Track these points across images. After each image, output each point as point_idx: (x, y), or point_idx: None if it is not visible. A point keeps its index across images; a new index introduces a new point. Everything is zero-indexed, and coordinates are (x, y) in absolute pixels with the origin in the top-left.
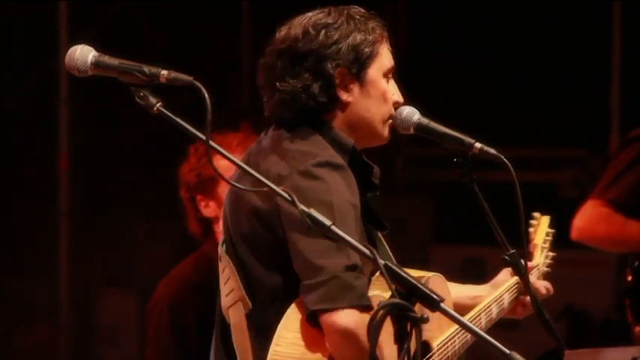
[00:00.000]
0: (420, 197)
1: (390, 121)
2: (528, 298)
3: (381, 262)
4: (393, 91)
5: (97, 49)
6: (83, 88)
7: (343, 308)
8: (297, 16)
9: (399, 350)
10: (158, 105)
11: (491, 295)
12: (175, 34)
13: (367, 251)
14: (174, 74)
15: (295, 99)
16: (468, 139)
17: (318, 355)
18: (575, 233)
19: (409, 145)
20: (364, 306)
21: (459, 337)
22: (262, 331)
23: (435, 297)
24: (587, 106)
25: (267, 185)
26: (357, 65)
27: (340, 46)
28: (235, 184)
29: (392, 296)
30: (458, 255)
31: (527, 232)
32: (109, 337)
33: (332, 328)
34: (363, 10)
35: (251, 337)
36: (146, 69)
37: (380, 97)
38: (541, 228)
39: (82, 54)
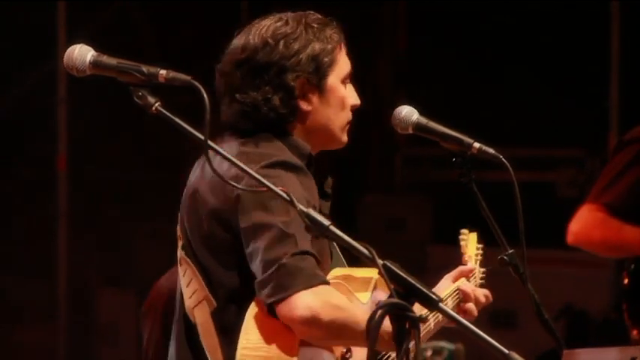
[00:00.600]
0: (419, 197)
1: (348, 126)
2: (469, 304)
3: (380, 261)
4: (350, 95)
5: (95, 49)
6: (82, 87)
7: (296, 292)
8: (254, 23)
9: (398, 350)
10: (157, 105)
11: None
12: (174, 34)
13: (366, 251)
14: (172, 74)
15: (256, 111)
16: (467, 139)
17: (285, 347)
18: (571, 238)
19: (408, 145)
20: (316, 284)
21: (432, 317)
22: (228, 331)
23: (434, 297)
24: (585, 105)
25: (265, 185)
26: (317, 75)
27: (300, 57)
28: (234, 184)
29: (390, 296)
30: (457, 255)
31: (526, 232)
32: (108, 337)
33: (291, 317)
34: (319, 17)
35: (218, 336)
36: (144, 68)
37: (339, 104)
38: (470, 243)
39: (81, 54)
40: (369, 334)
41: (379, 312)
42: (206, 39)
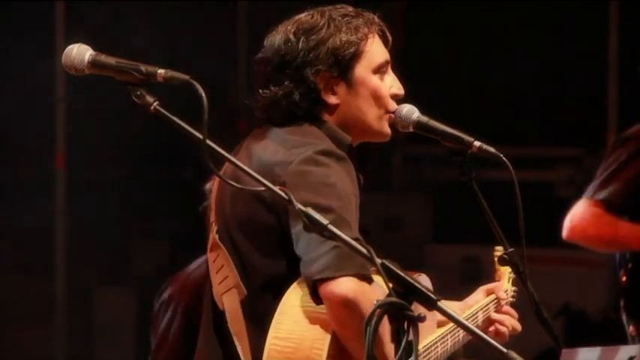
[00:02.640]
0: (418, 196)
1: (388, 115)
2: (503, 328)
3: (378, 260)
4: (390, 84)
5: (93, 49)
6: (80, 87)
7: (344, 276)
8: (285, 20)
9: (396, 349)
10: (155, 104)
11: (465, 313)
12: (172, 34)
13: (364, 250)
14: (171, 73)
15: (276, 105)
16: (467, 137)
17: (318, 334)
18: (566, 233)
19: (407, 144)
20: (364, 275)
21: (451, 336)
22: (258, 319)
23: (432, 296)
24: (583, 104)
25: (263, 184)
26: (340, 67)
27: (319, 51)
28: (233, 183)
29: (389, 295)
30: (455, 254)
31: (525, 231)
32: (107, 337)
33: (332, 296)
34: (349, 9)
35: (247, 324)
36: (143, 68)
37: (370, 94)
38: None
39: (79, 53)
40: (367, 333)
41: (377, 311)
42: (204, 38)
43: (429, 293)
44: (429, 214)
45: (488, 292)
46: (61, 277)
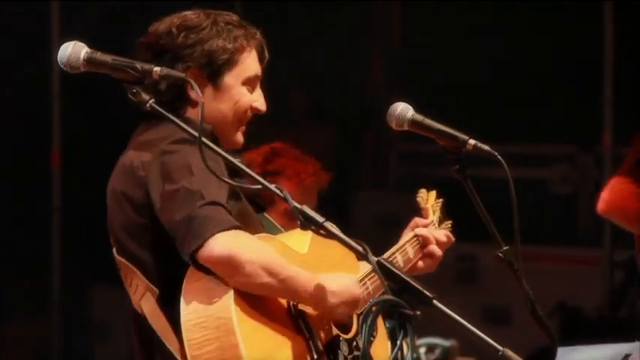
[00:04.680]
0: (412, 194)
1: (244, 127)
2: (431, 247)
3: (374, 258)
4: (255, 98)
5: (89, 46)
6: (75, 84)
7: (211, 236)
8: (175, 13)
9: (392, 346)
10: (151, 101)
11: (394, 247)
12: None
13: (360, 248)
14: (166, 71)
15: (145, 92)
16: (462, 136)
17: (221, 293)
18: (603, 206)
19: (403, 142)
20: (229, 227)
21: (370, 281)
22: (175, 312)
23: (428, 294)
24: (578, 101)
25: (261, 183)
26: (210, 70)
27: (195, 49)
28: (231, 181)
29: (384, 292)
30: (450, 252)
31: (519, 228)
32: (101, 334)
33: (210, 259)
34: (234, 18)
35: (167, 320)
36: (138, 65)
37: (233, 103)
38: (430, 198)
39: (75, 50)
40: (363, 330)
41: (373, 308)
42: None
43: (424, 291)
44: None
45: (412, 229)
46: (56, 274)
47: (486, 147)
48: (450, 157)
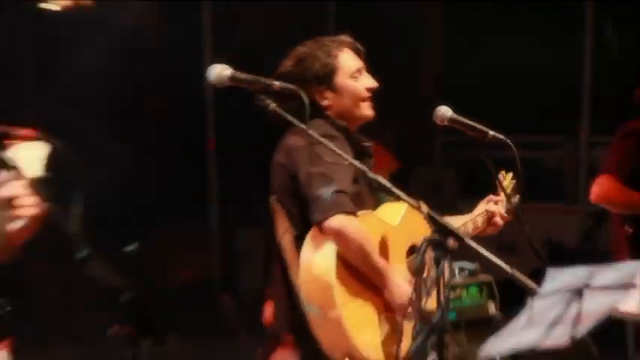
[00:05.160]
0: (452, 169)
1: (366, 102)
2: (496, 219)
3: (425, 209)
4: (364, 82)
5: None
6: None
7: (333, 215)
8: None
9: (437, 270)
10: (273, 105)
11: (468, 217)
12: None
13: (415, 202)
14: (283, 84)
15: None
16: (484, 128)
17: (327, 254)
18: (594, 197)
19: (444, 133)
20: (347, 212)
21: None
22: (300, 248)
23: (460, 235)
24: (564, 105)
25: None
26: (324, 81)
27: (309, 73)
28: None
29: (432, 233)
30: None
31: (521, 188)
32: (244, 261)
33: (329, 229)
34: (326, 39)
35: (296, 253)
36: (264, 80)
37: (351, 94)
38: (506, 180)
39: (221, 71)
40: (417, 258)
41: (424, 243)
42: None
43: (458, 232)
44: (458, 180)
45: (487, 203)
46: (214, 221)
47: (501, 136)
48: (477, 143)
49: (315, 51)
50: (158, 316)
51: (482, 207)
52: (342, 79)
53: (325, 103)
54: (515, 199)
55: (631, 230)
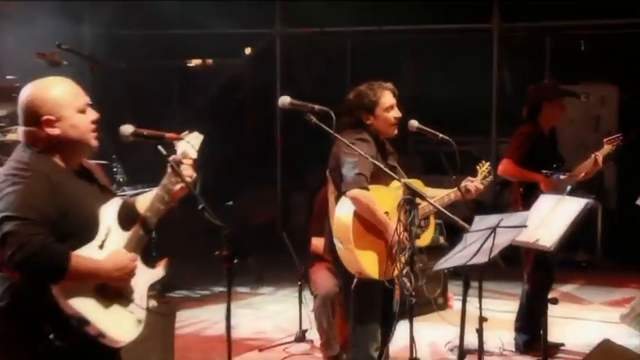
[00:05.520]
0: (418, 157)
1: (394, 127)
2: (471, 193)
3: (403, 180)
4: (394, 114)
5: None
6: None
7: (353, 188)
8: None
9: (409, 216)
10: (314, 119)
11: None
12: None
13: (391, 173)
14: (320, 107)
15: (346, 122)
16: (436, 132)
17: (349, 211)
18: (500, 171)
19: (414, 135)
20: (361, 187)
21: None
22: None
23: (423, 195)
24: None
25: (353, 149)
26: (369, 110)
27: (362, 102)
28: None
29: (407, 194)
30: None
31: (457, 167)
32: (291, 209)
33: (349, 197)
34: (374, 84)
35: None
36: (309, 105)
37: (384, 119)
38: (484, 168)
39: (285, 99)
40: (398, 209)
41: (402, 201)
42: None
43: (423, 194)
44: (424, 165)
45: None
46: (278, 190)
47: (446, 137)
48: (433, 141)
49: (366, 90)
50: (243, 244)
51: (462, 183)
52: (379, 111)
53: (368, 122)
54: (490, 178)
55: (522, 190)
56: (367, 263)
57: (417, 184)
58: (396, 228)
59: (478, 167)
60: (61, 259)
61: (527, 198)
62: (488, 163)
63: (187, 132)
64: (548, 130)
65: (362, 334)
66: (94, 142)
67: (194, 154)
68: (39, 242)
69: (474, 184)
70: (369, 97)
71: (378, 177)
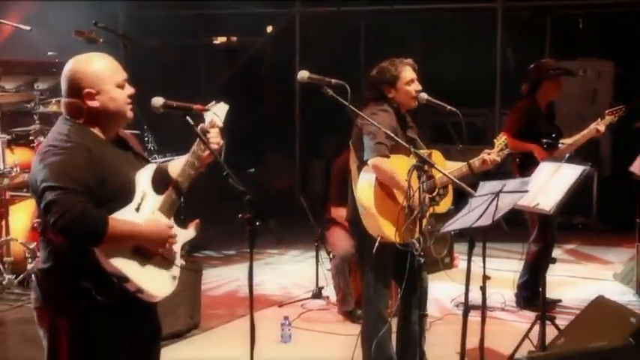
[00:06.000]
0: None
1: (414, 100)
2: (488, 164)
3: (412, 150)
4: (414, 87)
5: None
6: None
7: (374, 157)
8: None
9: (419, 180)
10: (331, 92)
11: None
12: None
13: (406, 145)
14: (336, 81)
15: (371, 95)
16: (444, 105)
17: (372, 179)
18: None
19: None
20: (381, 155)
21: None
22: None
23: (431, 163)
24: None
25: (369, 121)
26: (391, 83)
27: (384, 77)
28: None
29: (417, 162)
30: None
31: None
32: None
33: (371, 165)
34: (396, 60)
35: (358, 174)
36: (326, 79)
37: (405, 92)
38: (500, 140)
39: (303, 74)
40: (408, 175)
41: (412, 168)
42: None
43: (430, 161)
44: (432, 134)
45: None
46: (297, 160)
47: (454, 109)
48: (441, 112)
49: (388, 65)
50: (264, 209)
51: (480, 156)
52: (400, 85)
53: (390, 95)
54: (506, 151)
55: (518, 161)
56: (387, 227)
57: (436, 155)
58: (407, 192)
59: (495, 140)
60: (99, 224)
61: (523, 167)
62: (505, 137)
63: (214, 102)
64: (545, 106)
65: (374, 293)
66: (130, 114)
67: (220, 123)
68: (79, 209)
69: (490, 156)
70: (391, 72)
71: (399, 147)
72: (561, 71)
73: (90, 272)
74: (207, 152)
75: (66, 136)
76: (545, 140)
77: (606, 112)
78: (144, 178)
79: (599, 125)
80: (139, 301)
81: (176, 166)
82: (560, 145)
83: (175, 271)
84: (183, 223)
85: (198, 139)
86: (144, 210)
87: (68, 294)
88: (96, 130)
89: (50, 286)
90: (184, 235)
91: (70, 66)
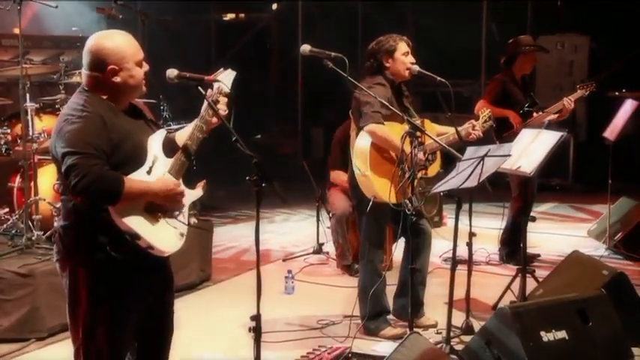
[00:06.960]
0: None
1: (408, 71)
2: (472, 136)
3: (405, 118)
4: (409, 59)
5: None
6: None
7: (370, 124)
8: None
9: (412, 145)
10: (331, 65)
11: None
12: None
13: (399, 112)
14: (335, 54)
15: (369, 66)
16: (434, 75)
17: (368, 142)
18: (476, 109)
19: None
20: (376, 122)
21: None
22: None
23: (422, 129)
24: (472, 59)
25: (367, 92)
26: (389, 54)
27: (381, 49)
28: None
29: (410, 129)
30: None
31: (452, 108)
32: (316, 145)
33: (367, 131)
34: (394, 35)
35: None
36: (327, 52)
37: (401, 62)
38: (484, 113)
39: (305, 47)
40: (401, 141)
41: (405, 134)
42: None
43: (421, 128)
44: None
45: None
46: (301, 132)
47: (443, 79)
48: (431, 82)
49: (387, 38)
50: (269, 171)
51: (465, 125)
52: (397, 55)
53: (387, 65)
54: (490, 123)
55: (494, 127)
56: (381, 188)
57: (427, 123)
58: (399, 156)
59: (480, 113)
60: (116, 184)
61: (500, 131)
62: (488, 110)
63: (222, 69)
64: (521, 77)
65: (370, 249)
66: (144, 89)
67: (227, 89)
68: (97, 171)
69: (474, 131)
70: (389, 43)
71: (394, 116)
72: (535, 47)
73: (105, 228)
74: (215, 118)
75: (82, 106)
76: (522, 108)
77: (577, 86)
78: (155, 142)
79: (569, 98)
80: (151, 255)
81: (182, 135)
82: (534, 115)
83: (183, 228)
84: (194, 183)
85: (206, 104)
86: (155, 172)
87: (85, 248)
88: (110, 100)
89: (70, 241)
90: (192, 194)
91: (95, 42)
